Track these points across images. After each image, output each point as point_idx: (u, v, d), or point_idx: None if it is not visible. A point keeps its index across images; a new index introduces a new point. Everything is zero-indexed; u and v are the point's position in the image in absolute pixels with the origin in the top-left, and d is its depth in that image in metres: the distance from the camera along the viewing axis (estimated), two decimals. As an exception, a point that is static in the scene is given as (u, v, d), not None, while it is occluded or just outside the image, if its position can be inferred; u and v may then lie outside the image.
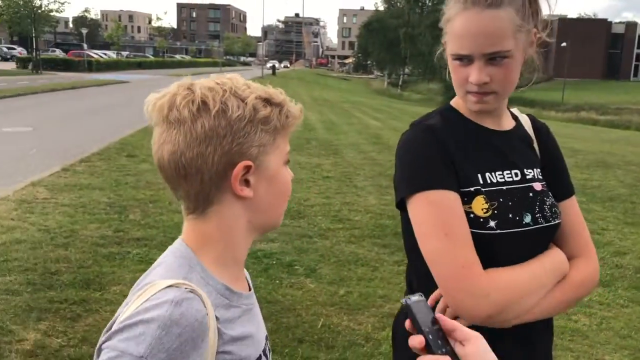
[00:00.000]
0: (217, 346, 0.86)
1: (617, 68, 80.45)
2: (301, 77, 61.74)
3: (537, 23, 1.30)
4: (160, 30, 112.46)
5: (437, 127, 1.33)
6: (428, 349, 0.84)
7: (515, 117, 1.47)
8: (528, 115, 1.52)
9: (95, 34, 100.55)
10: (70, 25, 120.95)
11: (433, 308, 1.25)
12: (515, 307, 1.23)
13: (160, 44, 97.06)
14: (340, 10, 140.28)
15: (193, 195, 0.92)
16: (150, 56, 79.74)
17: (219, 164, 0.89)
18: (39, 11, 38.05)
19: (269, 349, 1.06)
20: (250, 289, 1.03)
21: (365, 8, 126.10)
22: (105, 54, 59.99)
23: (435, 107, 1.52)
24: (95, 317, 3.77)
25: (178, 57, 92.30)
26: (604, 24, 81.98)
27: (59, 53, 54.17)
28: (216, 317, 0.87)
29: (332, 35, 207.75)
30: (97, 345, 0.85)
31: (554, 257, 1.33)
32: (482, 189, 1.28)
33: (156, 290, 0.85)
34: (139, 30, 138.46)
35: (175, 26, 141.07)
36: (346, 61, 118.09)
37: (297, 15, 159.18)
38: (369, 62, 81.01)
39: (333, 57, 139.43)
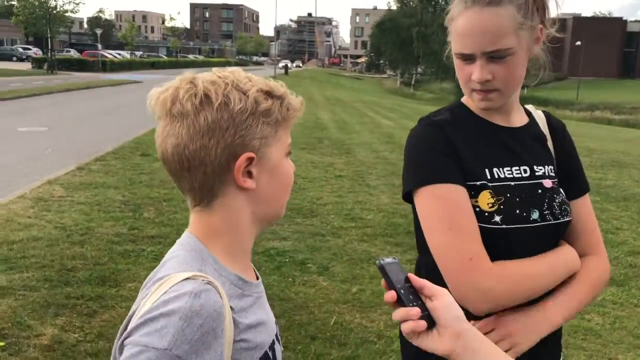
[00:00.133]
0: (233, 335, 0.88)
1: (632, 67, 79.48)
2: (314, 76, 61.77)
3: (543, 19, 1.30)
4: (173, 30, 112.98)
5: (444, 123, 1.35)
6: (400, 303, 0.91)
7: (529, 114, 1.46)
8: (544, 112, 1.51)
9: (109, 34, 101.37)
10: (85, 25, 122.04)
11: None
12: (519, 300, 1.24)
13: (173, 44, 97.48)
14: (353, 9, 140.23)
15: (197, 188, 0.93)
16: (164, 56, 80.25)
17: (222, 156, 0.90)
18: (54, 12, 38.44)
19: (279, 334, 1.08)
20: (257, 278, 1.05)
21: (377, 7, 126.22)
22: (119, 54, 60.46)
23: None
24: (111, 313, 3.83)
25: (191, 57, 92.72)
26: (619, 22, 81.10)
27: (73, 53, 54.73)
28: (231, 307, 0.88)
29: (344, 34, 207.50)
30: (118, 343, 0.86)
31: (563, 253, 1.33)
32: (488, 184, 1.29)
33: (173, 283, 0.85)
34: (152, 31, 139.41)
35: (188, 26, 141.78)
36: (359, 60, 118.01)
37: (309, 14, 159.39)
38: (381, 61, 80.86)
39: (345, 56, 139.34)
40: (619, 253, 5.57)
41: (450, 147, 1.30)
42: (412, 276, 0.94)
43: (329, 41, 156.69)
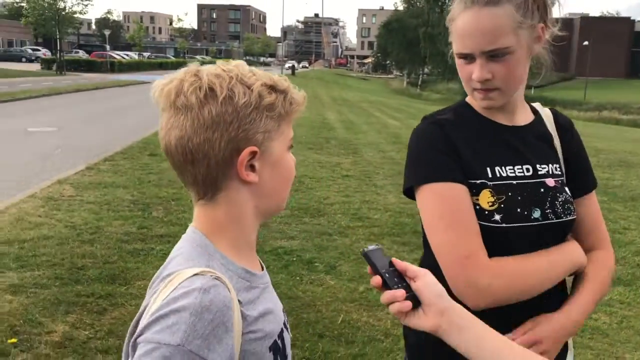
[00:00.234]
0: (242, 328, 0.89)
1: (640, 67, 79.11)
2: (320, 77, 61.78)
3: (545, 18, 1.31)
4: (181, 31, 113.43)
5: (446, 122, 1.37)
6: (385, 286, 0.97)
7: (535, 112, 1.47)
8: (551, 109, 1.52)
9: (117, 35, 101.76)
10: (93, 26, 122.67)
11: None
12: (517, 296, 1.25)
13: (181, 44, 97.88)
14: (360, 10, 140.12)
15: (201, 181, 0.94)
16: (171, 57, 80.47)
17: (226, 149, 0.91)
18: (63, 13, 38.70)
19: (287, 321, 1.09)
20: (263, 268, 1.06)
21: (384, 8, 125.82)
22: (127, 55, 60.62)
23: None
24: (120, 310, 3.87)
25: (198, 57, 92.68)
26: (627, 22, 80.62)
27: (82, 54, 55.02)
28: (239, 301, 0.90)
29: (351, 35, 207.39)
30: (131, 341, 0.86)
31: (566, 249, 1.34)
32: (488, 183, 1.30)
33: (182, 279, 0.86)
34: (160, 32, 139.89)
35: (195, 27, 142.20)
36: (365, 61, 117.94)
37: (316, 15, 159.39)
38: (388, 62, 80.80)
39: (352, 57, 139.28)
40: (626, 253, 5.57)
41: (451, 146, 1.32)
42: (395, 260, 0.99)
43: (335, 42, 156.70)
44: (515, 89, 1.35)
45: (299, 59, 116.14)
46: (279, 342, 0.99)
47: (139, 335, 0.83)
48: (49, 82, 29.24)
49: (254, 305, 0.95)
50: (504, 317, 1.24)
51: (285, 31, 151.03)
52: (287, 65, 71.74)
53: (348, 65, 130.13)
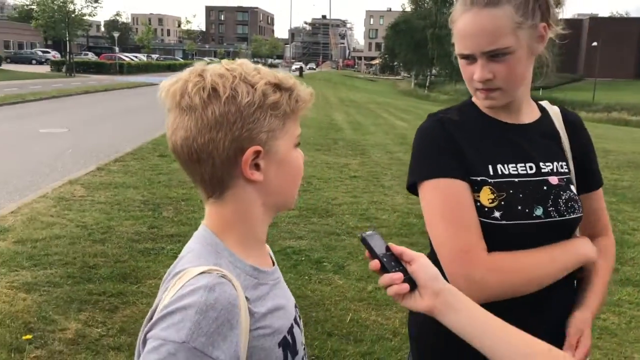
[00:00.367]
0: (249, 325, 0.90)
1: (650, 68, 78.55)
2: (328, 78, 61.84)
3: (547, 17, 1.32)
4: (189, 33, 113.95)
5: (449, 120, 1.40)
6: (384, 270, 1.00)
7: (542, 110, 1.48)
8: (559, 107, 1.53)
9: (126, 37, 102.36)
10: (102, 29, 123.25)
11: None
12: (513, 290, 1.26)
13: (189, 46, 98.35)
14: (367, 11, 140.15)
15: (207, 180, 0.95)
16: (180, 59, 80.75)
17: (230, 149, 0.91)
18: (73, 16, 39.01)
19: (299, 317, 1.09)
20: (274, 264, 1.07)
21: (392, 9, 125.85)
22: (135, 57, 60.96)
23: None
24: (132, 309, 3.92)
25: (207, 59, 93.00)
26: (637, 23, 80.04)
27: (91, 56, 55.61)
28: (246, 298, 0.91)
29: (358, 36, 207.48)
30: (142, 336, 0.88)
31: (571, 244, 1.36)
32: (489, 180, 1.31)
33: (189, 277, 0.87)
34: (168, 34, 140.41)
35: (204, 29, 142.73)
36: (373, 62, 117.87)
37: (324, 17, 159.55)
38: (395, 63, 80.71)
39: (360, 58, 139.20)
40: (635, 254, 5.56)
41: (453, 143, 1.34)
42: (392, 245, 1.03)
43: (343, 43, 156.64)
44: (518, 88, 1.36)
45: (306, 61, 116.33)
46: (288, 337, 0.99)
47: (149, 331, 0.86)
48: (58, 84, 29.46)
49: (263, 302, 0.96)
50: (508, 310, 1.23)
51: (293, 33, 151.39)
52: (294, 67, 71.85)
53: (355, 66, 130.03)
